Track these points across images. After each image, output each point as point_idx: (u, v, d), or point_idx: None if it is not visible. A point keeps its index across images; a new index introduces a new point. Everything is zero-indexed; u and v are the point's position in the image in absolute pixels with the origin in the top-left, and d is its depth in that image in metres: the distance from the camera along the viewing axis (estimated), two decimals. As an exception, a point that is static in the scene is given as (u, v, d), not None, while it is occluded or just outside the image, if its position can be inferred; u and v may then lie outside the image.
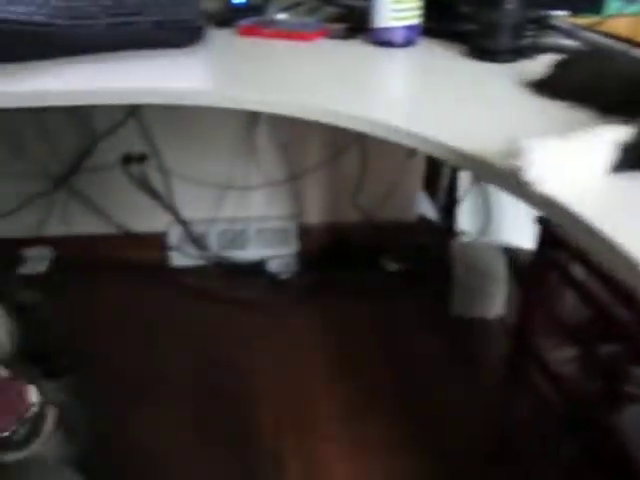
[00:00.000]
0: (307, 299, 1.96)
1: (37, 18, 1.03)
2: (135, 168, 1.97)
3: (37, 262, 2.05)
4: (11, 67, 0.98)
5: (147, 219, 2.08)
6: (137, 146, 1.95)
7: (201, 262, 2.09)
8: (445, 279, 1.91)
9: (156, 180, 2.00)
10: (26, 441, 0.52)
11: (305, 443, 1.46)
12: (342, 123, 0.78)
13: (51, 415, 0.56)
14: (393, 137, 0.72)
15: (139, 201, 2.04)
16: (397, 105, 0.84)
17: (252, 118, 1.93)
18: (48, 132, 1.90)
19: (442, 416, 1.53)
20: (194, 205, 2.07)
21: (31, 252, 2.06)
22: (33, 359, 0.67)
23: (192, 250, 2.08)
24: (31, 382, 0.60)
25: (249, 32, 1.16)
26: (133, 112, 1.85)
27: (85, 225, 2.07)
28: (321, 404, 1.57)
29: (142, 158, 1.96)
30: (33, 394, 0.54)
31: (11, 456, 0.51)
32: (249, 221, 2.11)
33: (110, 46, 1.06)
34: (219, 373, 1.66)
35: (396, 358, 1.73)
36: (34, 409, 0.53)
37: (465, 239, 2.03)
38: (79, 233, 2.08)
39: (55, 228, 2.06)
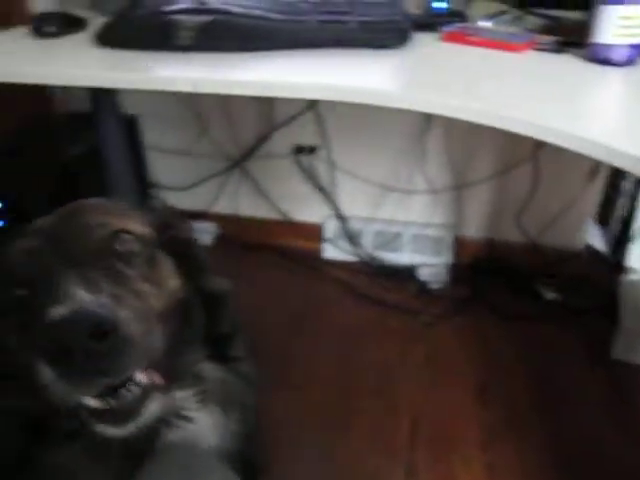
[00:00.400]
0: (456, 313, 1.91)
1: (256, 12, 1.09)
2: (304, 159, 2.04)
3: (202, 236, 2.20)
4: (226, 57, 1.04)
5: (308, 209, 2.14)
6: (309, 138, 2.02)
7: (352, 258, 2.12)
8: (609, 317, 1.77)
9: (322, 173, 2.06)
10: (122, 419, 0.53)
11: (440, 461, 1.42)
12: (549, 138, 0.74)
13: (158, 400, 0.55)
14: (603, 157, 0.68)
15: (303, 191, 2.11)
16: (610, 126, 0.77)
17: (426, 122, 1.91)
18: (231, 118, 2.02)
19: (592, 461, 1.41)
20: (354, 201, 2.10)
21: (198, 226, 2.21)
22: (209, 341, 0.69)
23: (346, 245, 2.12)
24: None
25: (453, 38, 1.14)
26: (312, 105, 1.91)
27: (250, 208, 2.19)
28: (460, 423, 1.52)
29: (312, 150, 2.02)
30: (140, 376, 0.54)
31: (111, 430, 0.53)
32: (406, 225, 2.10)
33: (317, 43, 1.10)
34: (360, 370, 1.67)
35: (545, 390, 1.63)
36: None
37: (636, 277, 1.85)
38: (244, 214, 2.20)
39: (223, 206, 2.20)
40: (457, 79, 0.95)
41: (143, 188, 1.99)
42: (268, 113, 1.98)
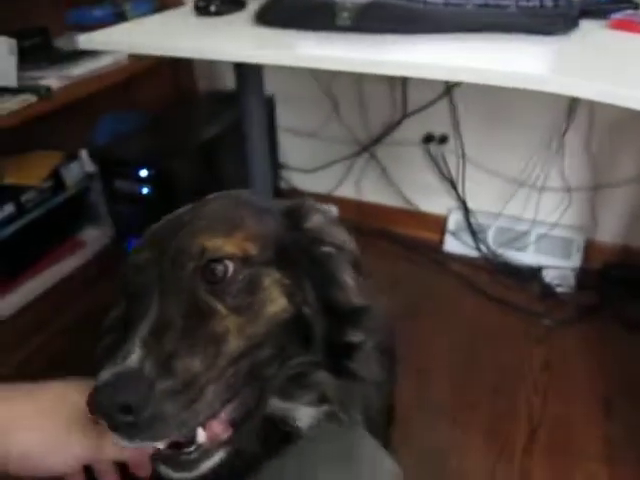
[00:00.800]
0: (580, 319, 1.80)
1: (414, -5, 1.08)
2: (434, 148, 2.01)
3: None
4: (382, 39, 1.04)
5: (432, 199, 2.11)
6: (440, 127, 1.98)
7: (475, 254, 2.06)
8: None
9: (451, 163, 2.01)
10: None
11: (558, 471, 1.36)
12: None
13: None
14: None
15: (429, 181, 2.08)
16: None
17: (566, 116, 1.81)
18: (363, 102, 2.03)
19: None
20: (481, 195, 2.04)
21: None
22: None
23: (468, 240, 2.06)
24: None
25: (622, 26, 1.06)
26: (448, 91, 1.87)
27: (374, 194, 2.19)
28: (581, 434, 1.44)
29: (443, 139, 1.98)
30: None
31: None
32: (534, 224, 2.01)
33: (475, 27, 1.06)
34: (476, 367, 1.63)
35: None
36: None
37: None
38: (367, 200, 2.21)
39: (347, 191, 2.22)
40: (624, 67, 0.89)
41: (274, 169, 2.05)
42: (400, 99, 1.96)
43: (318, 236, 0.61)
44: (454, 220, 2.09)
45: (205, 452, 0.53)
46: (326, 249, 0.61)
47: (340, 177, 2.19)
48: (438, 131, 1.99)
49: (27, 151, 1.89)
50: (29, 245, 1.78)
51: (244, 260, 0.57)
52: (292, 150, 2.21)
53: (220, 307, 0.54)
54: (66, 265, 1.89)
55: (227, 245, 0.57)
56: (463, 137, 1.96)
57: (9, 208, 1.68)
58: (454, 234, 2.08)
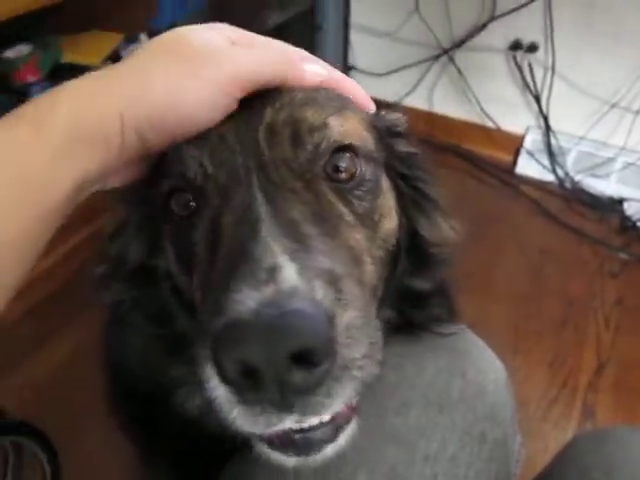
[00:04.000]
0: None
1: None
2: (521, 57, 1.82)
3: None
4: None
5: (511, 116, 1.94)
6: (531, 34, 1.78)
7: (550, 178, 1.91)
8: None
9: (538, 75, 1.82)
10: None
11: (622, 409, 1.28)
12: None
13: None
14: None
15: (509, 94, 1.91)
16: None
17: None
18: (446, 1, 1.83)
19: None
20: (566, 114, 1.86)
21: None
22: None
23: (545, 162, 1.91)
24: None
25: None
26: (546, -6, 1.66)
27: (447, 105, 2.03)
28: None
29: (532, 48, 1.78)
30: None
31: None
32: (621, 151, 1.83)
33: None
34: (544, 296, 1.53)
35: None
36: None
37: None
38: (439, 112, 2.05)
39: (418, 100, 2.06)
40: None
41: (343, 70, 1.91)
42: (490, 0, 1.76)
43: (415, 161, 0.52)
44: (531, 140, 1.93)
45: (333, 432, 0.39)
46: (423, 176, 0.52)
47: (412, 84, 2.03)
48: (528, 38, 1.79)
49: (86, 30, 1.80)
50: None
51: (367, 154, 0.46)
52: (364, 51, 2.04)
53: (348, 214, 0.43)
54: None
55: (349, 128, 0.45)
56: (555, 46, 1.75)
57: (67, 87, 1.61)
58: (530, 155, 1.92)
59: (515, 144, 1.96)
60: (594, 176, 1.87)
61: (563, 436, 1.21)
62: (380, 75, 2.04)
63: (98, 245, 0.53)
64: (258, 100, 0.44)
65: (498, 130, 1.98)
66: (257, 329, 0.30)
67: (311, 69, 0.46)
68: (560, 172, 1.90)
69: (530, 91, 1.85)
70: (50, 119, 0.37)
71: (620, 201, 1.82)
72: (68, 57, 1.67)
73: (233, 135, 0.42)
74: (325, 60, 1.54)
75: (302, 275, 0.33)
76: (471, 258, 1.59)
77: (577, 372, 1.35)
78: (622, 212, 1.80)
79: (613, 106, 1.78)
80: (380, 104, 1.87)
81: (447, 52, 1.89)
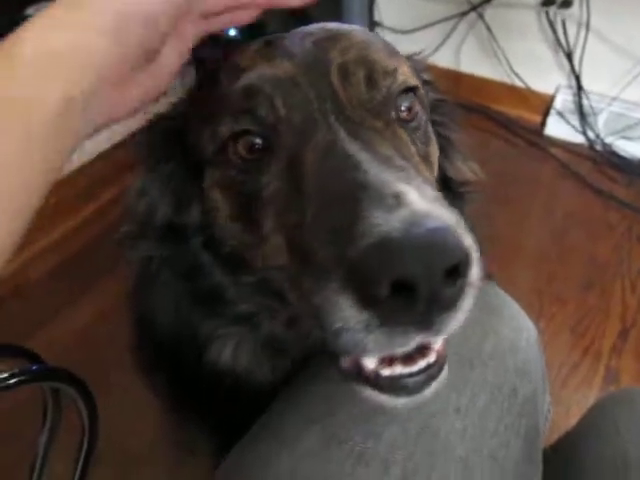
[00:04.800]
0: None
1: None
2: (553, 13, 1.75)
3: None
4: None
5: (541, 75, 1.88)
6: (567, -11, 1.71)
7: (579, 140, 1.86)
8: None
9: (570, 33, 1.76)
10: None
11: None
12: None
13: None
14: None
15: (540, 52, 1.84)
16: None
17: None
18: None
19: None
20: (599, 74, 1.79)
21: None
22: None
23: (575, 123, 1.86)
24: None
25: None
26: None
27: (474, 64, 1.98)
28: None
29: (566, 3, 1.71)
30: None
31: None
32: (654, 112, 1.77)
33: None
34: (569, 259, 1.51)
35: None
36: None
37: None
38: (465, 71, 2.00)
39: (444, 59, 2.01)
40: None
41: (369, 27, 1.85)
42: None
43: (444, 108, 0.56)
44: (562, 100, 1.87)
45: (439, 368, 0.39)
46: (450, 123, 0.56)
47: (439, 41, 1.97)
48: (562, -7, 1.72)
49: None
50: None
51: (421, 98, 0.49)
52: (390, 7, 1.98)
53: (417, 154, 0.45)
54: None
55: (408, 72, 0.48)
56: (590, 3, 1.68)
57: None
58: (560, 115, 1.87)
59: (545, 104, 1.91)
60: (625, 138, 1.81)
61: (585, 401, 1.21)
62: (406, 32, 1.98)
63: (124, 202, 0.53)
64: (310, 43, 0.45)
65: (527, 90, 1.92)
66: (412, 245, 0.30)
67: None
68: (590, 134, 1.85)
69: (562, 49, 1.79)
70: (19, 53, 0.36)
71: (651, 163, 1.78)
72: None
73: (303, 76, 0.43)
74: (351, 16, 1.50)
75: (425, 200, 0.33)
76: (497, 221, 1.57)
77: (601, 337, 1.34)
78: (653, 176, 1.76)
79: (648, 65, 1.72)
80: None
81: (476, 8, 1.83)
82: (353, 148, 0.38)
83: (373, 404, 0.39)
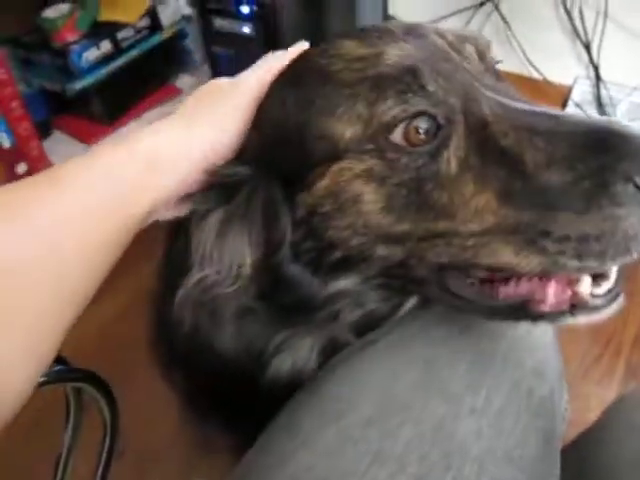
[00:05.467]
0: None
1: None
2: (571, 2, 1.72)
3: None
4: None
5: (558, 65, 1.85)
6: (582, -23, 1.68)
7: (599, 131, 1.84)
8: None
9: (588, 21, 1.73)
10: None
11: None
12: None
13: None
14: None
15: (557, 42, 1.82)
16: None
17: None
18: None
19: None
20: (619, 63, 1.76)
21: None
22: None
23: (594, 114, 1.83)
24: None
25: None
26: None
27: (490, 55, 1.95)
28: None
29: (583, -9, 1.69)
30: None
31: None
32: (676, 100, 1.74)
33: None
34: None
35: None
36: None
37: None
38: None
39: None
40: None
41: (384, 19, 1.85)
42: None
43: None
44: (580, 91, 1.84)
45: (616, 293, 0.46)
46: None
47: (454, 34, 1.95)
48: (580, -20, 1.69)
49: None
50: (126, 88, 1.73)
51: None
52: (404, 0, 1.97)
53: None
54: (162, 112, 1.84)
55: None
56: (609, -11, 1.66)
57: (106, 45, 1.61)
58: (578, 107, 1.85)
59: (563, 96, 1.88)
60: (646, 128, 1.78)
61: (605, 395, 1.20)
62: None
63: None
64: (402, 33, 0.47)
65: (545, 81, 1.89)
66: None
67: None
68: (610, 124, 1.82)
69: (580, 39, 1.76)
70: (135, 150, 0.45)
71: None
72: (105, 15, 1.66)
73: (432, 56, 0.45)
74: (364, 10, 1.49)
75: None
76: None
77: (622, 330, 1.33)
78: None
79: (669, 53, 1.68)
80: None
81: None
82: (527, 105, 0.44)
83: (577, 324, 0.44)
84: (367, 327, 0.55)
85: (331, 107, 0.45)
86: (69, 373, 0.54)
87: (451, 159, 0.44)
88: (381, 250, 0.47)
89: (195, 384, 0.67)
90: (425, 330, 0.51)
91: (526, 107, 0.44)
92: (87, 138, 1.67)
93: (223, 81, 0.53)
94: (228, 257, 0.48)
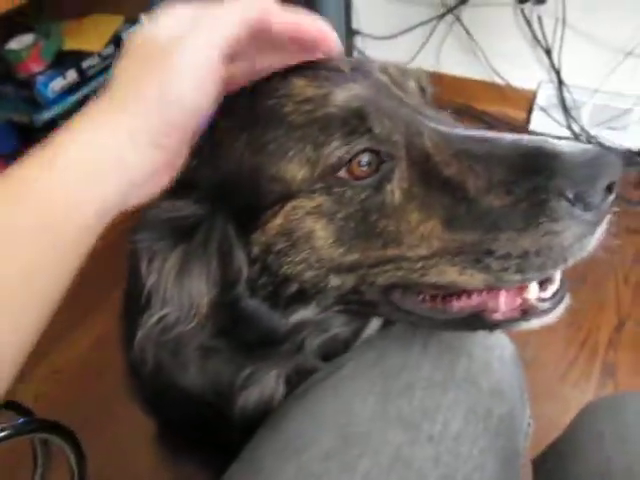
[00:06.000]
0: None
1: None
2: (529, 9, 1.76)
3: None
4: None
5: (522, 71, 1.89)
6: (539, -15, 1.72)
7: (565, 133, 1.87)
8: None
9: (547, 28, 1.77)
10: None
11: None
12: None
13: None
14: None
15: (520, 49, 1.85)
16: None
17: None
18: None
19: None
20: (580, 67, 1.80)
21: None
22: None
23: (560, 117, 1.86)
24: None
25: None
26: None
27: (455, 65, 1.99)
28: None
29: (541, 0, 1.73)
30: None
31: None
32: (636, 101, 1.78)
33: None
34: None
35: None
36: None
37: None
38: (447, 72, 2.01)
39: (425, 62, 2.01)
40: None
41: (348, 35, 1.87)
42: (495, -49, 1.70)
43: None
44: (544, 95, 1.88)
45: (562, 295, 0.49)
46: None
47: (419, 45, 1.98)
48: (536, -11, 1.73)
49: (86, 15, 1.78)
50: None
51: None
52: (368, 14, 1.99)
53: None
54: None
55: None
56: (566, -3, 1.70)
57: (72, 75, 1.60)
58: (543, 111, 1.88)
59: (528, 100, 1.91)
60: (610, 129, 1.82)
61: (583, 397, 1.22)
62: (386, 38, 1.99)
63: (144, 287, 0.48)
64: (350, 70, 0.49)
65: (509, 87, 1.93)
66: (609, 166, 0.41)
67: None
68: (575, 127, 1.85)
69: (540, 45, 1.80)
70: (61, 160, 0.38)
71: (638, 153, 1.78)
72: (70, 44, 1.66)
73: (377, 93, 0.47)
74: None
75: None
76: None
77: (596, 331, 1.35)
78: (640, 165, 1.76)
79: (628, 55, 1.72)
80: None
81: (452, 10, 1.84)
82: (463, 131, 0.46)
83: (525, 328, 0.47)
84: (332, 350, 0.56)
85: (282, 150, 0.45)
86: (33, 424, 0.54)
87: (395, 190, 0.45)
88: (334, 280, 0.48)
89: (167, 420, 0.67)
90: (382, 359, 0.51)
91: (464, 134, 0.45)
92: (57, 168, 1.66)
93: (157, 29, 0.43)
94: (187, 296, 0.48)
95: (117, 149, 0.39)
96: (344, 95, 0.45)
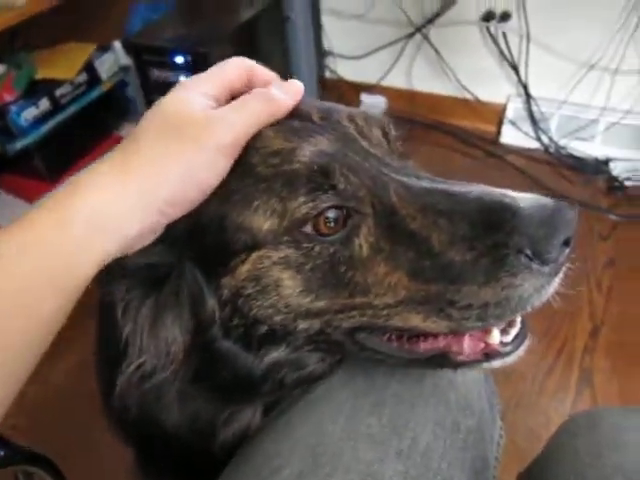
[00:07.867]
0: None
1: None
2: (494, 27, 1.81)
3: (371, 111, 2.09)
4: None
5: (490, 87, 1.93)
6: (502, 3, 1.77)
7: (535, 145, 1.91)
8: None
9: (513, 45, 1.82)
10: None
11: (619, 372, 1.30)
12: None
13: None
14: None
15: (487, 65, 1.90)
16: None
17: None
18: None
19: None
20: (546, 80, 1.85)
21: (368, 99, 2.10)
22: None
23: (529, 130, 1.91)
24: None
25: None
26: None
27: (426, 82, 2.03)
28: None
29: (505, 17, 1.77)
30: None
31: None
32: (603, 111, 1.83)
33: None
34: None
35: None
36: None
37: None
38: (418, 89, 2.05)
39: (396, 80, 2.06)
40: None
41: (319, 57, 1.90)
42: (459, -29, 1.75)
43: None
44: (513, 108, 1.92)
45: (522, 338, 0.49)
46: None
47: (389, 64, 2.02)
48: (499, 7, 1.78)
49: (58, 43, 1.79)
50: (67, 144, 1.73)
51: None
52: (338, 35, 2.03)
53: None
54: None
55: None
56: (528, 13, 1.74)
57: (45, 103, 1.61)
58: (513, 124, 1.92)
59: (497, 115, 1.96)
60: (578, 139, 1.87)
61: (563, 407, 1.23)
62: (357, 58, 2.03)
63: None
64: (319, 119, 0.49)
65: (479, 102, 1.97)
66: (565, 222, 0.43)
67: (278, 94, 0.48)
68: (544, 138, 1.90)
69: (507, 60, 1.85)
70: (70, 214, 0.40)
71: (606, 162, 1.83)
72: (42, 73, 1.67)
73: (344, 147, 0.47)
74: (298, 46, 1.52)
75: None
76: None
77: (572, 339, 1.37)
78: (608, 173, 1.81)
79: (591, 67, 1.77)
80: (361, 87, 1.88)
81: (420, 30, 1.88)
82: (429, 183, 0.47)
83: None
84: (309, 385, 0.57)
85: (248, 200, 0.46)
86: (11, 456, 0.54)
87: (362, 244, 0.46)
88: (302, 324, 0.49)
89: (148, 453, 0.67)
90: (351, 380, 0.52)
91: (429, 187, 0.46)
92: (31, 196, 1.66)
93: (186, 102, 0.44)
94: (163, 344, 0.49)
95: (126, 209, 0.41)
96: (310, 151, 0.45)
